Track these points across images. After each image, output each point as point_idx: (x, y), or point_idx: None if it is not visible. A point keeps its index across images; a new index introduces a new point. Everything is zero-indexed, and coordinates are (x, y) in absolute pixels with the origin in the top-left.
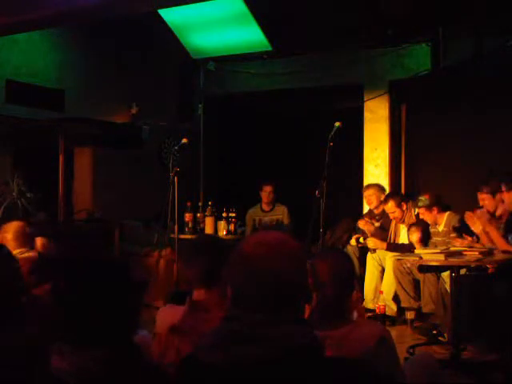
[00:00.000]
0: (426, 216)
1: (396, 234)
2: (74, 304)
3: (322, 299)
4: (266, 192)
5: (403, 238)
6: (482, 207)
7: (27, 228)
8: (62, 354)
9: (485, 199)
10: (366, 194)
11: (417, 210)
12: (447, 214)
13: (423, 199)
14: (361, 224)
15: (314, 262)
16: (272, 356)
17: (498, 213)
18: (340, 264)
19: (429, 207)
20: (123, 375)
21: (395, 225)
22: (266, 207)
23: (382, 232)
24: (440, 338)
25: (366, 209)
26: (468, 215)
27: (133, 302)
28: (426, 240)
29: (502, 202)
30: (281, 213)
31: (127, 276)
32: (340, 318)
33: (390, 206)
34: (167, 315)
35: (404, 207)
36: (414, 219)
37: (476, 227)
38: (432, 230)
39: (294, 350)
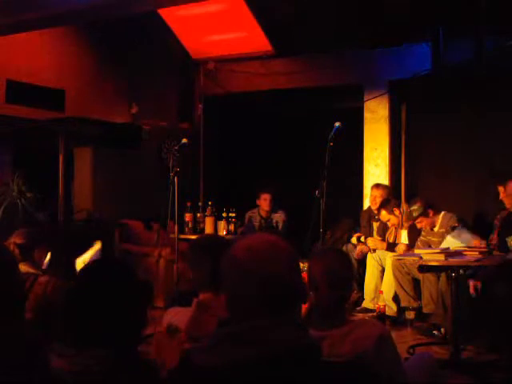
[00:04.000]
0: (425, 223)
1: (396, 239)
2: (79, 305)
3: (319, 299)
4: (267, 201)
5: (404, 240)
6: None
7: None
8: (63, 354)
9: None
10: (373, 193)
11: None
12: (442, 214)
13: (416, 208)
14: (371, 243)
15: (310, 262)
16: (269, 359)
17: None
18: (336, 264)
19: (425, 214)
20: (124, 375)
21: (395, 229)
22: (264, 214)
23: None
24: (439, 336)
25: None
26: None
27: (136, 303)
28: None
29: None
30: (277, 219)
31: (130, 277)
32: (338, 318)
33: (384, 215)
34: (174, 317)
35: (397, 212)
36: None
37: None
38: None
39: (292, 353)
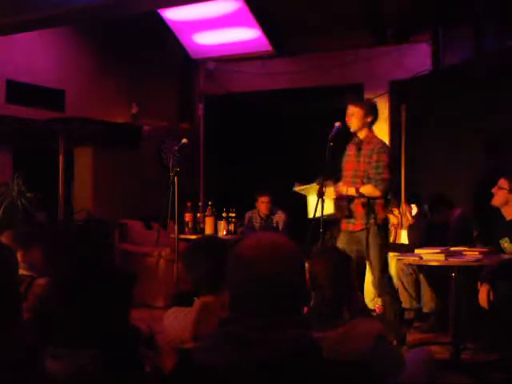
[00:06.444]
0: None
1: (397, 239)
2: (70, 305)
3: (320, 299)
4: (265, 203)
5: (404, 240)
6: None
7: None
8: (57, 356)
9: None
10: None
11: None
12: None
13: None
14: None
15: (312, 262)
16: (270, 359)
17: None
18: (338, 264)
19: None
20: (120, 374)
21: (394, 229)
22: (263, 216)
23: None
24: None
25: None
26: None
27: (124, 299)
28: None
29: None
30: (277, 219)
31: (119, 273)
32: (337, 318)
33: None
34: (175, 319)
35: (397, 212)
36: (411, 221)
37: None
38: None
39: (293, 353)
